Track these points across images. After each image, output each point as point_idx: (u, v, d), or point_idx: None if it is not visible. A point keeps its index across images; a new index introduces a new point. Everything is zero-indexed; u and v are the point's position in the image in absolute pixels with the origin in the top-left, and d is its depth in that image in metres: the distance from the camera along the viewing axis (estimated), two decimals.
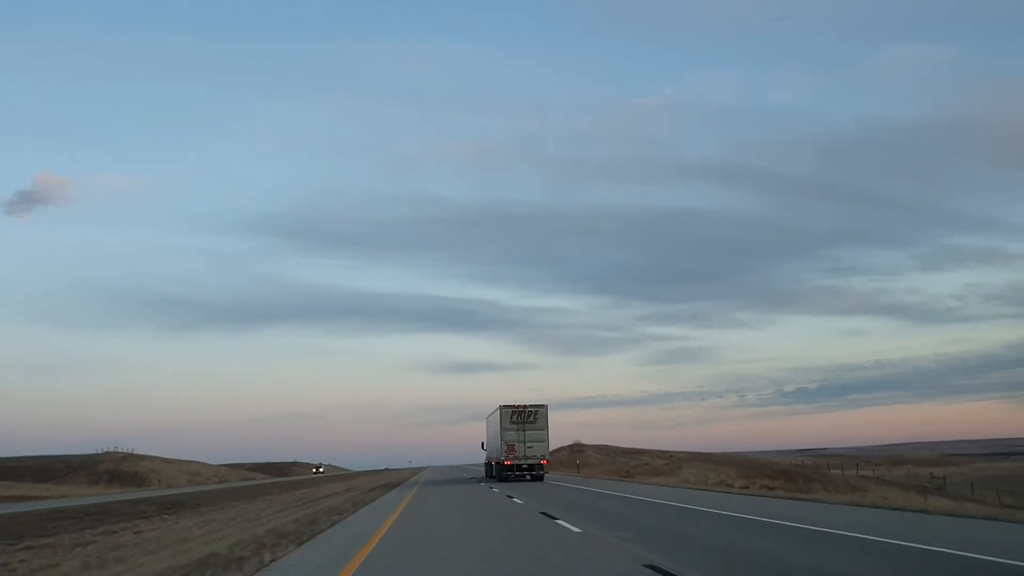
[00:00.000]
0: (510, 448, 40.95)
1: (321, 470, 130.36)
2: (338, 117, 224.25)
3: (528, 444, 40.98)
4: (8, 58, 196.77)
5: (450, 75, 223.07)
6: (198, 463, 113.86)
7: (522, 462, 40.89)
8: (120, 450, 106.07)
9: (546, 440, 41.27)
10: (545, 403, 41.65)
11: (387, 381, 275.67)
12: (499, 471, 42.03)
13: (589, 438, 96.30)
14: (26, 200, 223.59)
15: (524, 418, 41.18)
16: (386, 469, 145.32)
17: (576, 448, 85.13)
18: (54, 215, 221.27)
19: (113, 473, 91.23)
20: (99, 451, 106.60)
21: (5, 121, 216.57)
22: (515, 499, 26.08)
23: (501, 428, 41.07)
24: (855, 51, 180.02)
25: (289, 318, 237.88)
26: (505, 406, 41.47)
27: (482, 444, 55.64)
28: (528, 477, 41.35)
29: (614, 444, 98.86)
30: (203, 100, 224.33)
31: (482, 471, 62.93)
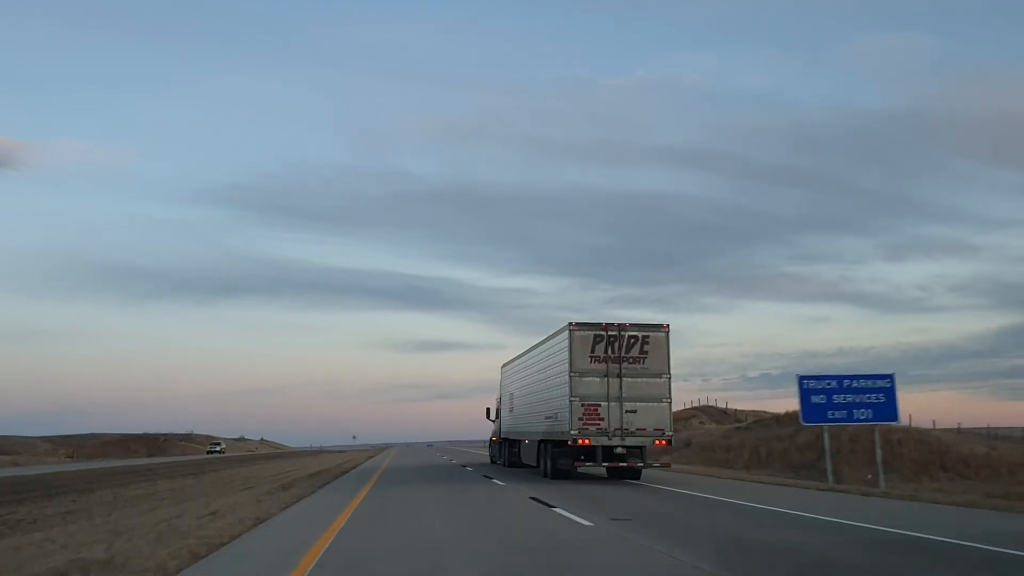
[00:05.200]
0: (590, 411, 19.70)
1: (220, 448, 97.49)
2: (307, 88, 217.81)
3: (630, 404, 19.82)
4: None
5: (422, 48, 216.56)
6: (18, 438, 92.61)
7: (615, 441, 19.68)
8: None
9: (667, 397, 20.06)
10: (664, 323, 20.44)
11: (352, 358, 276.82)
12: (555, 458, 21.00)
13: None
14: None
15: (621, 349, 19.98)
16: (320, 450, 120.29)
17: None
18: (11, 179, 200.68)
19: None
20: None
21: None
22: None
23: (572, 372, 19.79)
24: (827, 37, 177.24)
25: (254, 291, 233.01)
26: (580, 325, 20.16)
27: (488, 412, 34.08)
28: (624, 468, 20.32)
29: None
30: (169, 68, 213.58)
31: (467, 454, 48.66)
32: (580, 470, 20.80)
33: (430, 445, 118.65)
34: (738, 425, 44.67)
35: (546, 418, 22.25)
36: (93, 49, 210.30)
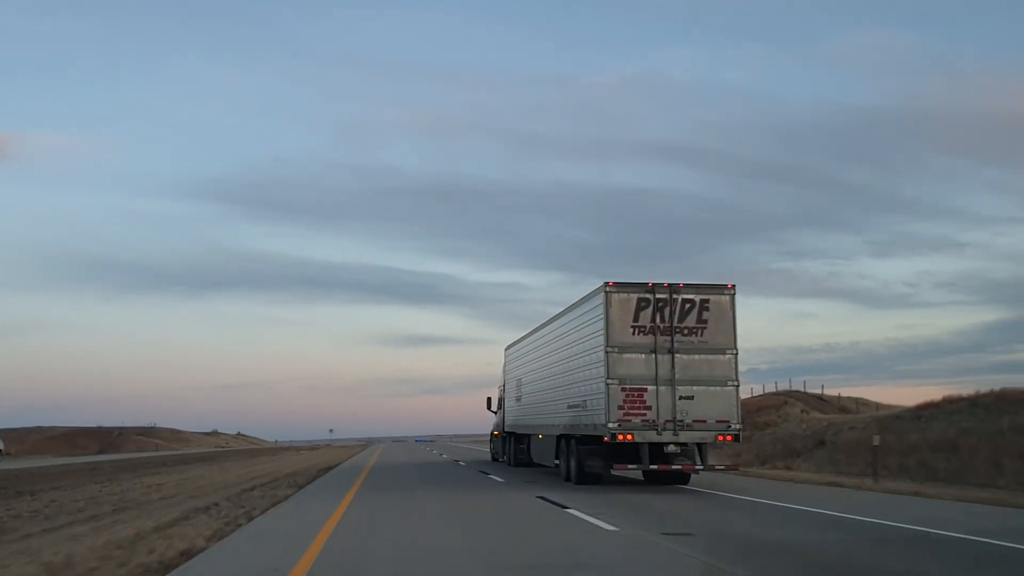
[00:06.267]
0: (633, 398, 15.05)
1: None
2: (291, 82, 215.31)
3: (686, 388, 15.21)
4: None
5: (408, 42, 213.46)
6: None
7: (666, 436, 15.04)
8: None
9: (732, 380, 15.41)
10: (728, 283, 15.77)
11: (337, 353, 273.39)
12: (582, 458, 16.47)
13: None
14: None
15: (673, 317, 15.34)
16: (290, 445, 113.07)
17: None
18: None
19: None
20: None
21: None
22: None
23: (610, 347, 15.13)
24: (814, 33, 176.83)
25: (238, 286, 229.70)
26: (620, 286, 15.47)
27: (488, 402, 29.55)
28: (675, 469, 15.76)
29: None
30: (150, 59, 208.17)
31: (461, 450, 45.93)
32: (615, 473, 16.22)
33: (420, 440, 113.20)
34: (890, 414, 30.42)
35: (569, 407, 17.64)
36: (74, 40, 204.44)
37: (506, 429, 25.82)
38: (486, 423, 31.76)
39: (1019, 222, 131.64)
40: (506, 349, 26.58)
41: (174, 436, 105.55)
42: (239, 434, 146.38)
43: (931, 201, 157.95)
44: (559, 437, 18.62)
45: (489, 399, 29.10)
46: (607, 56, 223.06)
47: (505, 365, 26.73)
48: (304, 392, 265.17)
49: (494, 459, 28.95)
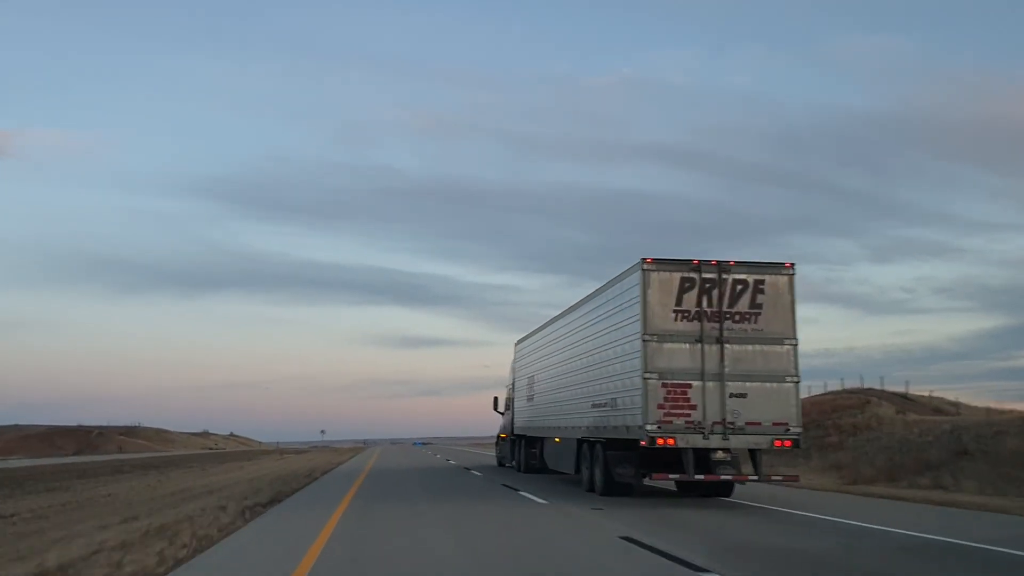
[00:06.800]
0: (675, 396, 12.70)
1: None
2: (290, 81, 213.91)
3: (737, 384, 12.85)
4: None
5: (407, 43, 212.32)
6: None
7: (713, 441, 12.68)
8: None
9: (792, 375, 13.05)
10: (786, 261, 13.41)
11: (333, 353, 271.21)
12: (610, 466, 14.10)
13: None
14: None
15: (723, 300, 13.00)
16: (277, 447, 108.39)
17: None
18: None
19: None
20: None
21: None
22: None
23: (648, 334, 12.78)
24: (812, 37, 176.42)
25: (236, 285, 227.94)
26: (661, 263, 13.10)
27: (495, 402, 27.31)
28: (725, 479, 13.40)
29: None
30: (151, 58, 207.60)
31: (463, 454, 43.50)
32: (648, 482, 13.88)
33: (418, 443, 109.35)
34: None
35: (594, 406, 15.30)
36: (73, 38, 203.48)
37: (516, 432, 23.50)
38: (483, 425, 29.46)
39: (1018, 228, 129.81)
40: (516, 344, 24.25)
41: (159, 436, 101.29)
42: (232, 435, 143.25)
43: (929, 206, 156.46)
44: (580, 441, 16.30)
45: (496, 399, 26.75)
46: (606, 57, 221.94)
47: (515, 362, 24.40)
48: (300, 392, 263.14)
49: (500, 464, 26.60)
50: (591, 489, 15.25)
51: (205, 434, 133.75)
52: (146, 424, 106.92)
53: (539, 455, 20.96)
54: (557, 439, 18.57)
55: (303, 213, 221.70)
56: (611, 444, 14.44)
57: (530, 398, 21.62)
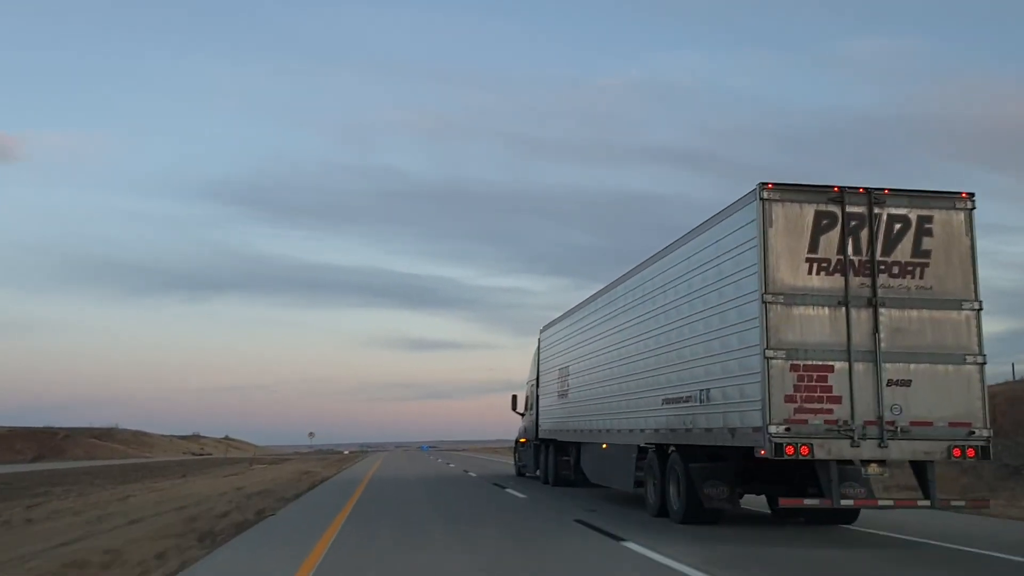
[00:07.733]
0: (810, 380, 8.69)
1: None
2: (294, 83, 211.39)
3: (899, 366, 8.86)
4: None
5: (411, 45, 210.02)
6: None
7: (867, 450, 8.67)
8: None
9: (975, 353, 9.04)
10: (962, 191, 9.40)
11: (338, 356, 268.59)
12: (696, 481, 10.07)
13: None
14: None
15: (875, 244, 9.01)
16: (251, 461, 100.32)
17: None
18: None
19: None
20: None
21: None
22: None
23: (768, 292, 8.78)
24: (820, 39, 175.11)
25: (241, 288, 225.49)
26: (785, 188, 9.09)
27: (513, 401, 23.30)
28: (881, 507, 9.38)
29: None
30: (156, 61, 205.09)
31: (476, 462, 38.08)
32: (751, 505, 9.90)
33: (425, 448, 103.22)
34: None
35: (667, 401, 11.28)
36: (81, 42, 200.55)
37: (540, 435, 19.49)
38: (488, 429, 25.49)
39: None
40: (542, 331, 20.28)
41: (136, 439, 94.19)
42: (226, 438, 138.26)
43: None
44: (642, 448, 12.31)
45: (514, 397, 22.70)
46: (613, 59, 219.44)
47: (539, 352, 20.42)
48: (303, 395, 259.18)
49: (520, 474, 22.53)
50: (661, 514, 11.28)
51: (194, 437, 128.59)
52: (123, 426, 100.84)
53: (573, 464, 17.05)
54: (604, 445, 14.56)
55: (308, 215, 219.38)
56: (690, 453, 10.50)
57: (562, 394, 17.61)
